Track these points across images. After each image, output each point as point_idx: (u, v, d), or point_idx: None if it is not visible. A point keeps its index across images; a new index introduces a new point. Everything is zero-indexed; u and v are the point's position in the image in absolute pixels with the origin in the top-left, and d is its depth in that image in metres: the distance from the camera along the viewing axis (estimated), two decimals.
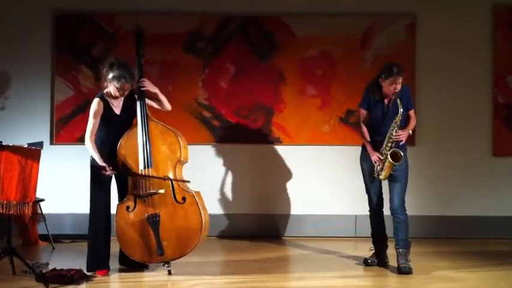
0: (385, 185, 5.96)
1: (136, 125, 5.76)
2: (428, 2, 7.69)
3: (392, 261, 5.97)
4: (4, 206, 5.27)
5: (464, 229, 7.56)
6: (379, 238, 6.07)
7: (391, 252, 6.02)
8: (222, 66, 7.69)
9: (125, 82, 5.62)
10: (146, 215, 5.65)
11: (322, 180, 7.66)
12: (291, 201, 7.69)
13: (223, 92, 7.69)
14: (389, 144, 5.76)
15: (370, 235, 6.16)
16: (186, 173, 5.85)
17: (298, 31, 7.68)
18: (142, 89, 5.80)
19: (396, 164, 5.70)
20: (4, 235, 5.74)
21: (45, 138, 7.34)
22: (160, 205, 5.65)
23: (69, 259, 6.21)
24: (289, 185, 7.70)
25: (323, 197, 7.65)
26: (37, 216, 7.08)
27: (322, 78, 7.69)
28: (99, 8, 7.66)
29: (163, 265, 5.71)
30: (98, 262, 5.68)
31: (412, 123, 5.94)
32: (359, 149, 6.17)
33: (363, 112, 6.01)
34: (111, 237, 5.76)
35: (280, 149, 7.70)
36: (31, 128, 7.51)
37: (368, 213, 6.14)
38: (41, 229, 7.13)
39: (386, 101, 5.87)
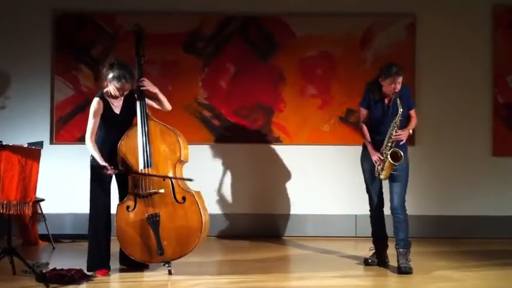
0: (385, 185, 5.96)
1: (136, 124, 5.76)
2: (428, 2, 7.70)
3: (393, 261, 5.97)
4: (4, 205, 5.27)
5: (464, 229, 7.56)
6: (379, 238, 6.07)
7: (391, 252, 6.02)
8: (222, 66, 7.69)
9: (125, 82, 5.62)
10: (146, 214, 5.65)
11: (322, 179, 7.67)
12: (291, 201, 7.69)
13: (223, 92, 7.69)
14: (389, 144, 5.76)
15: (370, 235, 6.16)
16: (186, 172, 5.85)
17: (298, 31, 7.68)
18: (142, 88, 5.80)
19: (396, 164, 5.70)
20: (4, 235, 5.73)
21: (45, 137, 7.34)
22: (160, 205, 5.65)
23: (69, 259, 6.21)
24: (289, 184, 7.70)
25: (323, 196, 7.66)
26: (37, 216, 7.08)
27: (322, 78, 7.69)
28: (99, 8, 7.66)
29: (164, 265, 5.71)
30: (98, 262, 5.68)
31: (413, 122, 5.94)
32: (359, 148, 6.17)
33: (363, 112, 6.01)
34: (111, 237, 5.76)
35: (280, 148, 7.70)
36: (31, 127, 7.51)
37: (368, 212, 6.14)
38: (41, 229, 7.13)
39: (386, 100, 5.87)
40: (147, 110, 5.79)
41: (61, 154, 7.52)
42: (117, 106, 5.76)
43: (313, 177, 7.66)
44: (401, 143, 5.78)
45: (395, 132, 5.73)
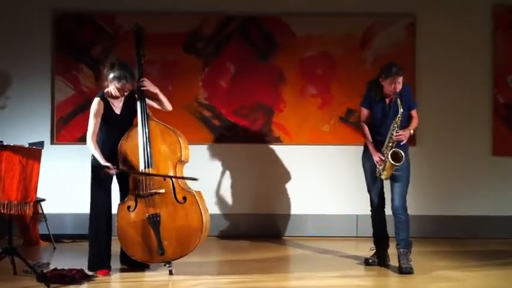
0: (387, 185, 5.96)
1: (136, 124, 5.76)
2: (428, 2, 7.70)
3: (394, 261, 5.97)
4: (5, 206, 5.27)
5: (464, 229, 7.57)
6: (380, 238, 6.07)
7: (392, 251, 6.02)
8: (222, 66, 7.70)
9: (126, 82, 5.63)
10: (147, 214, 5.65)
11: (323, 179, 7.67)
12: (291, 201, 7.70)
13: (224, 92, 7.70)
14: (390, 144, 5.76)
15: (371, 235, 6.16)
16: (186, 172, 5.86)
17: (298, 31, 7.68)
18: (142, 88, 5.80)
19: (397, 164, 5.70)
20: (5, 235, 5.73)
21: (45, 138, 7.35)
22: (161, 205, 5.66)
23: (70, 259, 6.22)
24: (290, 184, 7.70)
25: (323, 196, 7.66)
26: (38, 216, 7.08)
27: (322, 78, 7.69)
28: (99, 8, 7.66)
29: (164, 265, 5.71)
30: (99, 262, 5.68)
31: (414, 123, 5.93)
32: (359, 148, 6.17)
33: (364, 111, 6.01)
34: (112, 237, 5.77)
35: (281, 148, 7.71)
36: (32, 127, 7.51)
37: (369, 212, 6.14)
38: (42, 229, 7.13)
39: (387, 100, 5.87)
40: (148, 110, 5.79)
41: (62, 154, 7.52)
42: (117, 106, 5.76)
43: (314, 177, 7.66)
44: (402, 143, 5.78)
45: (396, 132, 5.73)
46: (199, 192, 5.75)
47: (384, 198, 6.04)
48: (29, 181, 5.36)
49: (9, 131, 7.29)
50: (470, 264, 6.19)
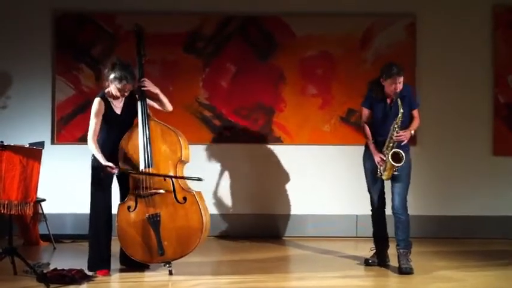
0: (387, 185, 5.96)
1: (137, 125, 5.76)
2: (428, 2, 7.70)
3: (393, 261, 5.97)
4: (5, 206, 5.28)
5: (464, 229, 7.57)
6: (380, 238, 6.07)
7: (392, 252, 6.02)
8: (222, 66, 7.70)
9: (126, 83, 5.63)
10: (147, 215, 5.65)
11: (323, 180, 7.67)
12: (291, 201, 7.70)
13: (224, 92, 7.70)
14: (390, 145, 5.75)
15: (371, 235, 6.16)
16: (187, 172, 5.86)
17: (298, 31, 7.68)
18: (143, 89, 5.80)
19: (397, 164, 5.70)
20: (5, 235, 5.73)
21: (46, 138, 7.35)
22: (161, 205, 5.66)
23: (70, 259, 6.22)
24: (290, 184, 7.70)
25: (323, 196, 7.66)
26: (38, 216, 7.09)
27: (322, 78, 7.70)
28: (99, 8, 7.66)
29: (164, 265, 5.71)
30: (99, 262, 5.69)
31: (415, 123, 5.93)
32: (359, 148, 6.17)
33: (365, 111, 6.01)
34: (112, 237, 5.77)
35: (281, 148, 7.71)
36: (32, 127, 7.51)
37: (369, 213, 6.14)
38: (42, 229, 7.13)
39: (388, 100, 5.87)
40: (148, 110, 5.79)
41: (62, 154, 7.52)
42: (118, 106, 5.76)
43: (314, 177, 7.66)
44: (402, 143, 5.78)
45: (397, 133, 5.73)
46: (199, 193, 5.75)
47: (384, 199, 6.04)
48: (29, 181, 5.36)
49: (9, 131, 7.29)
50: (470, 265, 6.19)
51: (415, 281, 5.56)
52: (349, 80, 7.61)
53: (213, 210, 7.52)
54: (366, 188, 6.08)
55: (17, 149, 5.35)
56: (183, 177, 5.72)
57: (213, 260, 6.48)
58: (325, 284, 5.51)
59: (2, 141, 5.35)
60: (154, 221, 5.63)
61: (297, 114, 7.66)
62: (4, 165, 5.26)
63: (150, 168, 5.66)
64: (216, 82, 7.69)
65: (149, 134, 5.71)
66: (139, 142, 5.71)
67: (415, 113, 5.95)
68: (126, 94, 5.72)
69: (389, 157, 5.70)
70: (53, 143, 7.58)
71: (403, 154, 5.68)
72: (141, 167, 5.68)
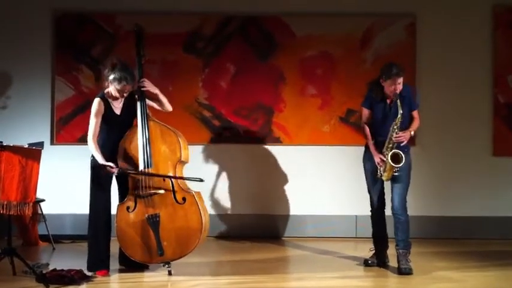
0: (387, 185, 5.95)
1: (136, 125, 5.76)
2: (428, 2, 7.69)
3: (393, 262, 5.97)
4: (4, 206, 5.27)
5: (464, 229, 7.56)
6: (379, 238, 6.06)
7: (391, 252, 6.02)
8: (222, 66, 7.69)
9: (126, 84, 5.63)
10: (146, 215, 5.65)
11: (322, 180, 7.66)
12: (291, 201, 7.69)
13: (224, 92, 7.69)
14: (390, 146, 5.75)
15: (370, 235, 6.15)
16: (186, 173, 5.86)
17: (298, 31, 7.68)
18: (142, 89, 5.80)
19: (396, 165, 5.69)
20: (4, 235, 5.74)
21: (45, 138, 7.34)
22: (160, 205, 5.65)
23: (69, 259, 6.22)
24: (289, 185, 7.69)
25: (323, 197, 7.65)
26: (37, 216, 7.08)
27: (322, 78, 7.69)
28: (99, 8, 7.66)
29: (164, 265, 5.71)
30: (98, 262, 5.68)
31: (415, 124, 5.92)
32: (359, 149, 6.17)
33: (365, 112, 6.00)
34: (111, 238, 5.76)
35: (280, 149, 7.70)
36: (31, 128, 7.51)
37: (368, 213, 6.14)
38: (41, 229, 7.13)
39: (388, 101, 5.86)
40: (148, 111, 5.79)
41: (61, 155, 7.52)
42: (117, 107, 5.76)
43: (313, 177, 7.66)
44: (402, 144, 5.77)
45: (396, 134, 5.72)
46: (198, 193, 5.75)
47: (384, 199, 6.03)
48: (28, 181, 5.36)
49: (9, 131, 7.29)
50: (470, 265, 6.19)
51: (415, 282, 5.55)
52: (349, 80, 7.60)
53: (212, 210, 7.53)
54: (366, 189, 6.08)
55: (16, 149, 5.34)
56: (183, 178, 5.72)
57: (212, 260, 6.47)
58: (324, 284, 5.51)
59: (1, 142, 5.36)
60: (153, 222, 5.62)
61: (297, 114, 7.65)
62: (3, 165, 5.25)
63: (149, 169, 5.66)
64: (216, 82, 7.69)
65: (148, 134, 5.71)
66: (138, 142, 5.70)
67: (415, 113, 5.94)
68: (125, 95, 5.72)
69: (389, 158, 5.69)
70: (52, 143, 7.58)
71: (403, 155, 5.68)
72: (141, 167, 5.67)
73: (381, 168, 5.83)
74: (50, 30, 7.66)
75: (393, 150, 5.71)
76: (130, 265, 5.85)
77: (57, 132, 7.61)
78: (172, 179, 5.67)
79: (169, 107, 5.94)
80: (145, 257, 5.70)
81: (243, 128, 7.68)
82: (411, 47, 7.63)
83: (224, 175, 7.69)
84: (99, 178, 5.63)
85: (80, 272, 5.52)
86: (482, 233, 7.52)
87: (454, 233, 7.54)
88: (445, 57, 7.67)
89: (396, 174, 5.76)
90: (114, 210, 5.76)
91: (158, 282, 5.55)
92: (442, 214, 7.60)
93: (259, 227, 7.63)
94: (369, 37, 7.66)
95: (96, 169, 5.63)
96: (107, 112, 5.70)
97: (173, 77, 7.62)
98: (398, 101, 5.68)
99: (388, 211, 6.00)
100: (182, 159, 5.75)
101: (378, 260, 6.07)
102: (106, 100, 5.71)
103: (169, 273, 5.66)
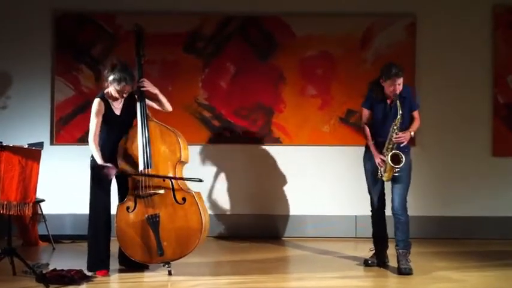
0: (388, 186, 5.95)
1: (136, 125, 5.76)
2: (428, 2, 7.69)
3: (393, 262, 5.97)
4: (4, 206, 5.27)
5: (464, 229, 7.56)
6: (379, 238, 6.06)
7: (391, 252, 6.02)
8: (222, 66, 7.69)
9: (125, 85, 5.62)
10: (146, 215, 5.65)
11: (322, 180, 7.66)
12: (290, 201, 7.69)
13: (223, 92, 7.69)
14: (390, 146, 5.75)
15: (370, 236, 6.15)
16: (186, 173, 5.86)
17: (298, 31, 7.68)
18: (142, 89, 5.80)
19: (396, 166, 5.68)
20: (4, 235, 5.74)
21: (45, 138, 7.34)
22: (160, 205, 5.65)
23: (69, 259, 6.22)
24: (289, 185, 7.69)
25: (323, 197, 7.65)
26: (37, 216, 7.08)
27: (322, 78, 7.69)
28: (99, 8, 7.65)
29: (164, 265, 5.71)
30: (98, 262, 5.68)
31: (415, 124, 5.91)
32: (359, 149, 6.17)
33: (366, 112, 5.99)
34: (111, 238, 5.76)
35: (280, 149, 7.70)
36: (31, 128, 7.51)
37: (368, 213, 6.13)
38: (41, 229, 7.13)
39: (388, 101, 5.86)
40: (147, 111, 5.79)
41: (61, 155, 7.51)
42: (117, 107, 5.76)
43: (313, 177, 7.65)
44: (402, 145, 5.77)
45: (396, 134, 5.72)
46: (198, 193, 5.75)
47: (384, 200, 6.03)
48: (28, 182, 5.36)
49: (9, 132, 7.29)
50: (470, 265, 6.19)
51: (415, 282, 5.55)
52: (349, 80, 7.60)
53: (212, 210, 7.52)
54: (365, 189, 6.08)
55: (16, 150, 5.34)
56: (183, 179, 5.72)
57: (212, 260, 6.47)
58: (324, 284, 5.51)
59: (1, 142, 5.36)
60: (153, 222, 5.63)
61: (297, 114, 7.65)
62: (3, 165, 5.26)
63: (149, 169, 5.66)
64: (216, 82, 7.68)
65: (148, 134, 5.71)
66: (138, 143, 5.70)
67: (416, 114, 5.94)
68: (125, 95, 5.72)
69: (389, 159, 5.69)
70: (52, 143, 7.57)
71: (403, 156, 5.67)
72: (141, 167, 5.67)
73: (382, 169, 5.83)
74: (50, 30, 7.66)
75: (393, 151, 5.71)
76: (130, 265, 5.85)
77: (57, 133, 7.61)
78: (172, 179, 5.67)
79: (169, 107, 5.94)
80: (145, 257, 5.70)
81: (243, 128, 7.68)
82: (411, 47, 7.62)
83: (224, 175, 7.69)
84: (99, 178, 5.63)
85: (80, 272, 5.52)
86: (482, 233, 7.52)
87: (454, 233, 7.54)
88: (445, 57, 7.66)
89: (397, 174, 5.76)
90: (114, 210, 5.76)
91: (158, 282, 5.55)
92: (442, 214, 7.61)
93: (259, 227, 7.63)
94: (369, 37, 7.66)
95: (96, 169, 5.63)
96: (107, 112, 5.70)
97: (173, 77, 7.62)
98: (398, 101, 5.68)
99: (388, 211, 6.00)
100: (182, 159, 5.75)
101: (378, 260, 6.07)
102: (106, 100, 5.72)
103: (169, 273, 5.67)
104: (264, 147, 7.70)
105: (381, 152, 5.82)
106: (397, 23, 7.65)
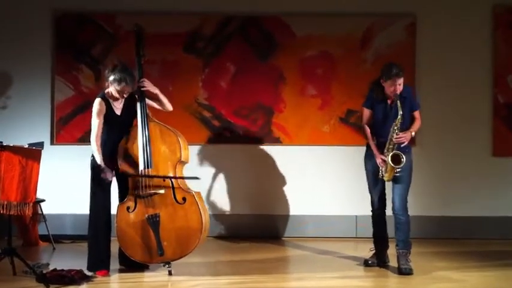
0: (388, 186, 5.95)
1: (137, 125, 5.76)
2: (428, 2, 7.69)
3: (393, 262, 5.97)
4: (5, 206, 5.27)
5: (464, 229, 7.56)
6: (380, 238, 6.06)
7: (391, 252, 6.02)
8: (222, 66, 7.69)
9: (126, 85, 5.63)
10: (146, 215, 5.65)
11: (322, 180, 7.66)
12: (291, 201, 7.68)
13: (223, 92, 7.69)
14: (390, 147, 5.75)
15: (370, 236, 6.15)
16: (186, 173, 5.86)
17: (298, 31, 7.68)
18: (142, 89, 5.80)
19: (397, 166, 5.68)
20: (5, 235, 5.74)
21: (45, 138, 7.34)
22: (160, 205, 5.65)
23: (69, 259, 6.22)
24: (289, 185, 7.69)
25: (323, 197, 7.65)
26: (37, 216, 7.08)
27: (322, 78, 7.69)
28: (99, 8, 7.65)
29: (164, 265, 5.71)
30: (98, 262, 5.68)
31: (416, 124, 5.91)
32: (359, 149, 6.17)
33: (366, 112, 5.99)
34: (111, 238, 5.76)
35: (280, 149, 7.70)
36: (31, 128, 7.51)
37: (368, 213, 6.13)
38: (41, 229, 7.13)
39: (389, 101, 5.85)
40: (148, 111, 5.79)
41: (61, 155, 7.51)
42: (118, 107, 5.76)
43: (313, 177, 7.65)
44: (402, 145, 5.77)
45: (396, 134, 5.72)
46: (198, 193, 5.75)
47: (384, 200, 6.02)
48: (28, 182, 5.36)
49: (9, 131, 7.30)
50: (470, 265, 6.19)
51: (415, 282, 5.55)
52: (349, 80, 7.60)
53: (212, 210, 7.52)
54: (366, 189, 6.08)
55: (16, 150, 5.35)
56: (180, 177, 5.71)
57: (212, 260, 6.47)
58: (324, 284, 5.51)
59: (1, 142, 5.37)
60: (153, 222, 5.63)
61: (297, 114, 7.65)
62: (3, 165, 5.26)
63: (150, 169, 5.66)
64: (216, 82, 7.68)
65: (148, 134, 5.71)
66: (138, 143, 5.70)
67: (417, 114, 5.94)
68: (125, 96, 5.72)
69: (389, 159, 5.69)
70: (52, 143, 7.57)
71: (403, 156, 5.67)
72: (141, 167, 5.68)
73: (383, 169, 5.83)
74: (50, 30, 7.66)
75: (393, 151, 5.71)
76: (130, 265, 5.85)
77: (57, 132, 7.61)
78: (172, 179, 5.67)
79: (169, 107, 5.94)
80: (145, 257, 5.70)
81: (243, 128, 7.68)
82: (411, 47, 7.62)
83: (224, 175, 7.69)
84: (99, 178, 5.63)
85: (80, 272, 5.52)
86: (482, 233, 7.52)
87: (454, 233, 7.54)
88: (445, 57, 7.67)
89: (397, 174, 5.75)
90: (114, 210, 5.76)
91: (158, 282, 5.56)
92: (442, 214, 7.61)
93: (259, 227, 7.63)
94: (369, 37, 7.66)
95: (96, 169, 5.63)
96: (108, 112, 5.71)
97: (173, 77, 7.62)
98: (398, 101, 5.68)
99: (388, 211, 6.00)
100: (182, 159, 5.75)
101: (378, 260, 6.07)
102: (107, 100, 5.72)
103: (170, 273, 5.67)
104: (264, 147, 7.70)
105: (381, 152, 5.82)
106: (397, 23, 7.65)
